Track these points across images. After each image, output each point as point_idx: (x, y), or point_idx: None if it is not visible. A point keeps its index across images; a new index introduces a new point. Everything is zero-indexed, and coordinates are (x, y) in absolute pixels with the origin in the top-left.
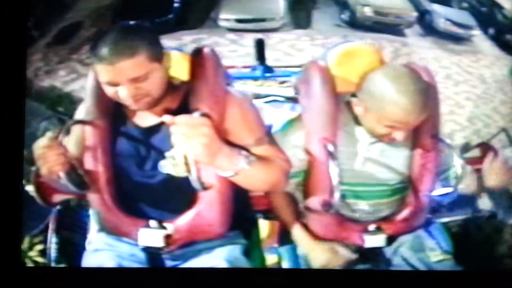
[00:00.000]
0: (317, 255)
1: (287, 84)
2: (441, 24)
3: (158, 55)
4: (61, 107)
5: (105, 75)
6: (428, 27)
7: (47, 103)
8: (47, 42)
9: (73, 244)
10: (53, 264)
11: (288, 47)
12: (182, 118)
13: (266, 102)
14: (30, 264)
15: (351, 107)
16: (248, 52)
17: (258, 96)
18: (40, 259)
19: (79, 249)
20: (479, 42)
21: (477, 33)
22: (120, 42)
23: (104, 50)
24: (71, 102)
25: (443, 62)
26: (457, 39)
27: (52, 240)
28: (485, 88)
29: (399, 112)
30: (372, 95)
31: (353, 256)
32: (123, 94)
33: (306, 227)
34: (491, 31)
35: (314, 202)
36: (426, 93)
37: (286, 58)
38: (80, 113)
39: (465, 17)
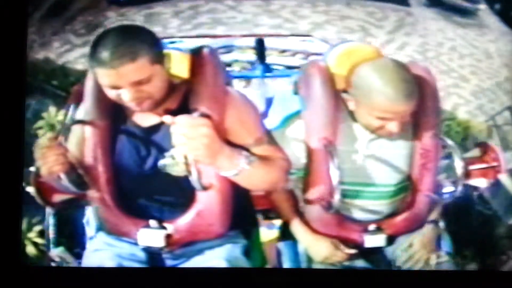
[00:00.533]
0: (318, 248)
1: (288, 53)
2: None
3: (159, 57)
4: (55, 80)
5: (106, 79)
6: None
7: (41, 77)
8: (41, 15)
9: (72, 224)
10: (52, 246)
11: (289, 14)
12: (182, 118)
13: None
14: (29, 245)
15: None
16: (246, 18)
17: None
18: (39, 240)
19: (78, 230)
20: (485, 17)
21: (483, 7)
22: (121, 46)
23: (105, 54)
24: (65, 75)
25: (448, 33)
26: (462, 12)
27: (50, 221)
28: (490, 63)
29: (386, 101)
30: (360, 88)
31: (354, 250)
32: (126, 97)
33: (306, 223)
34: (497, 6)
35: (314, 193)
36: (412, 83)
37: (287, 25)
38: (80, 113)
39: None
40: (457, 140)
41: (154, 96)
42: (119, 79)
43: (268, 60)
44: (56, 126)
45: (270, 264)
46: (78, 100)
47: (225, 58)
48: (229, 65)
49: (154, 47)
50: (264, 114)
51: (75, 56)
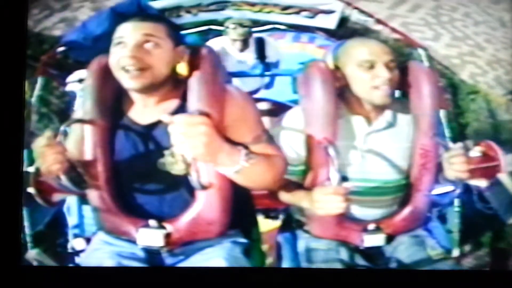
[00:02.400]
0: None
1: (290, 10)
2: None
3: (176, 38)
4: (29, 49)
5: (119, 33)
6: None
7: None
8: None
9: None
10: (29, 246)
11: None
12: (180, 117)
13: (265, 30)
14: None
15: (346, 95)
16: None
17: (256, 24)
18: None
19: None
20: None
21: None
22: (148, 15)
23: (135, 16)
24: (40, 42)
25: None
26: None
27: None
28: (504, 32)
29: (363, 46)
30: (342, 55)
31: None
32: (127, 51)
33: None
34: None
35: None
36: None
37: None
38: (79, 112)
39: None
40: (480, 117)
41: (154, 70)
42: (131, 31)
43: (268, 17)
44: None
45: (269, 256)
46: (46, 73)
47: (217, 15)
48: (221, 24)
49: (174, 30)
50: (270, 84)
51: (53, 21)
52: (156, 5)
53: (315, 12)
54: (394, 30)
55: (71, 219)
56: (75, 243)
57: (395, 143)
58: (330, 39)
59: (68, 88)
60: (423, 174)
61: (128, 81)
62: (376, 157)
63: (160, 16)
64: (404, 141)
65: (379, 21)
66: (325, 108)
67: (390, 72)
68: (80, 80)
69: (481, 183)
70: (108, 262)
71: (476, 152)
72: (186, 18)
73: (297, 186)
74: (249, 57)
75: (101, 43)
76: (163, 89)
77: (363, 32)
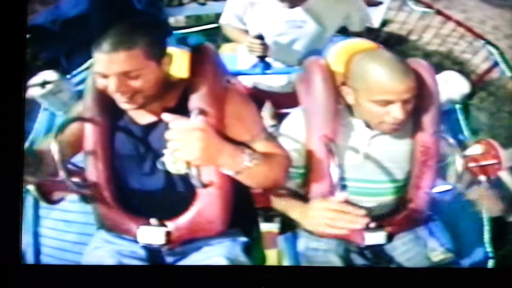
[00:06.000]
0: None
1: None
2: None
3: (157, 54)
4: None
5: (98, 65)
6: None
7: None
8: None
9: None
10: None
11: None
12: (176, 123)
13: None
14: None
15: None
16: None
17: None
18: None
19: None
20: None
21: None
22: (122, 34)
23: (105, 40)
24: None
25: (487, 12)
26: None
27: None
28: None
29: (384, 79)
30: (358, 74)
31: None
32: (111, 87)
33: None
34: None
35: (315, 190)
36: (408, 66)
37: None
38: (79, 110)
39: None
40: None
41: (144, 92)
42: (108, 66)
43: None
44: None
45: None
46: None
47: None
48: None
49: (155, 43)
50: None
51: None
52: None
53: None
54: (459, 23)
55: None
56: None
57: (397, 146)
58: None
59: (28, 94)
60: (423, 172)
61: (122, 104)
62: (378, 158)
63: (136, 32)
64: (405, 144)
65: (440, 13)
66: (325, 106)
67: (404, 113)
68: (44, 84)
69: (482, 181)
70: (109, 260)
71: (476, 150)
72: (190, 8)
73: (293, 195)
74: (300, 14)
75: (71, 30)
76: (160, 97)
77: (396, 42)
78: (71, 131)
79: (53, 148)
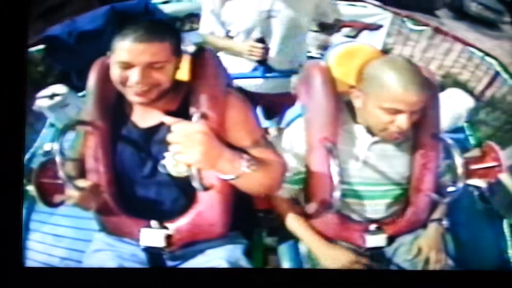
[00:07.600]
0: (335, 256)
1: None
2: (473, 8)
3: (179, 51)
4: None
5: (125, 54)
6: (458, 11)
7: None
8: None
9: None
10: None
11: None
12: (178, 126)
13: None
14: None
15: (351, 105)
16: None
17: None
18: None
19: None
20: (509, 30)
21: (508, 19)
22: (155, 26)
23: (137, 29)
24: None
25: (486, 44)
26: (489, 25)
27: None
28: None
29: (399, 88)
30: (372, 79)
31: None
32: (134, 76)
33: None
34: None
35: (316, 193)
36: (422, 78)
37: None
38: (81, 113)
39: (494, 2)
40: None
41: (161, 86)
42: (137, 56)
43: None
44: None
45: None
46: None
47: None
48: None
49: (179, 40)
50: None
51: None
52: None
53: (358, 29)
54: (456, 38)
55: None
56: None
57: (397, 151)
58: None
59: (36, 105)
60: (424, 174)
61: (133, 96)
62: (378, 162)
63: (166, 27)
64: (406, 148)
65: (437, 30)
66: (326, 108)
67: (408, 124)
68: (53, 96)
69: (482, 183)
70: (110, 263)
71: (476, 152)
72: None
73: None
74: (272, 2)
75: (86, 43)
76: (165, 97)
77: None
78: (76, 134)
79: (55, 147)
